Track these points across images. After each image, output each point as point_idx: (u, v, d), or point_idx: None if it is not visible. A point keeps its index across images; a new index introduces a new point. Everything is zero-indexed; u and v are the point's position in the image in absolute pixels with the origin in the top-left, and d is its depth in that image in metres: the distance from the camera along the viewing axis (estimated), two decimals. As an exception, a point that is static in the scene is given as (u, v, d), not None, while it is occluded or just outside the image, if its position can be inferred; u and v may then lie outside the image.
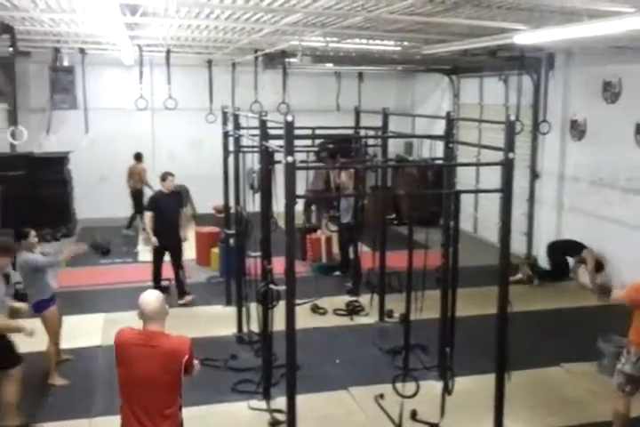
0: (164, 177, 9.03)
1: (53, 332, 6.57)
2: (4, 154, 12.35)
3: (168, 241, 8.97)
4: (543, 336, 7.89)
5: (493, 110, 12.06)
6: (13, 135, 9.27)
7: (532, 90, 11.20)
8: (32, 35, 9.89)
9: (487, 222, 12.33)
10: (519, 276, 9.83)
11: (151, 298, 4.13)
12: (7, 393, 5.46)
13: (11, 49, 8.71)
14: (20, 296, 8.68)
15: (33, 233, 6.58)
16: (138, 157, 13.46)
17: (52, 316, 6.54)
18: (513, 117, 5.33)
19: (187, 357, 3.88)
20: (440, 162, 6.91)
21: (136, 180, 13.26)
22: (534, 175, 11.43)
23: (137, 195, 13.22)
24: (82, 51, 12.02)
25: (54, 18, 8.08)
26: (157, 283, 9.08)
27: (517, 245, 11.27)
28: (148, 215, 9.02)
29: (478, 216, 13.27)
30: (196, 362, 4.00)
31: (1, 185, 12.09)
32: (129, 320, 7.60)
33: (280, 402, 5.56)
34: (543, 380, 6.74)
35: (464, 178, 12.70)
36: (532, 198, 11.50)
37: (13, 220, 9.72)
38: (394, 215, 11.61)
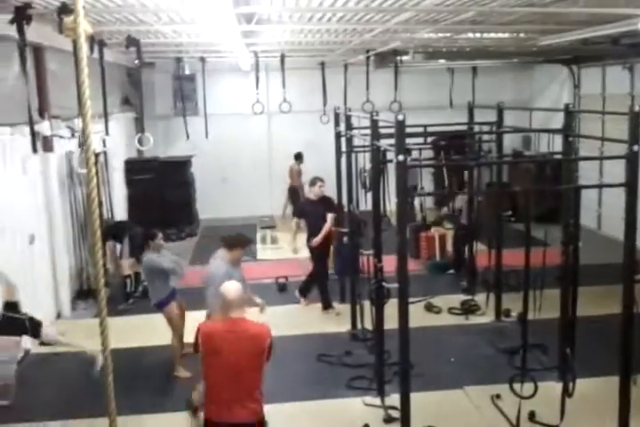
0: (312, 182, 8.86)
1: (176, 326, 6.94)
2: (132, 159, 13.17)
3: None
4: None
5: (617, 100, 11.43)
6: (140, 142, 9.89)
7: (659, 77, 10.54)
8: (156, 46, 10.50)
9: (612, 218, 11.70)
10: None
11: (231, 288, 4.33)
12: None
13: (137, 61, 9.30)
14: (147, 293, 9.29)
15: (160, 235, 7.03)
16: (297, 156, 14.12)
17: (171, 311, 6.93)
18: (638, 108, 5.06)
19: (269, 340, 4.16)
20: (557, 156, 6.66)
21: (294, 178, 14.07)
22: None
23: (292, 192, 14.13)
24: (202, 59, 12.58)
25: (176, 29, 8.55)
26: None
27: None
28: (294, 222, 9.30)
29: (602, 212, 12.63)
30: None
31: (130, 188, 12.94)
32: (250, 315, 7.91)
33: (394, 399, 5.59)
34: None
35: (587, 172, 12.13)
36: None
37: (141, 220, 10.33)
38: (510, 212, 11.26)
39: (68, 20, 4.51)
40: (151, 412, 6.10)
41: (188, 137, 12.23)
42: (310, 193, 8.91)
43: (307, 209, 8.97)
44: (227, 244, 6.45)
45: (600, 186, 11.43)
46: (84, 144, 2.86)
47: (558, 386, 5.67)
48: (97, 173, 9.93)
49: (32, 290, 7.85)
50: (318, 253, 8.82)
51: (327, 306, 8.79)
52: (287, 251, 11.61)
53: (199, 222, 14.34)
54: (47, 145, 8.51)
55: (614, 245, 10.70)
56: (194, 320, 7.44)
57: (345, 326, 8.04)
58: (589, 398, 5.87)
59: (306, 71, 13.93)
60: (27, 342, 7.49)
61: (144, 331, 8.04)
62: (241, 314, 4.29)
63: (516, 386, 5.53)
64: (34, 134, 7.07)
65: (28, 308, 7.60)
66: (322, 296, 8.82)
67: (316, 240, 8.62)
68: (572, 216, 6.14)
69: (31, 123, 6.77)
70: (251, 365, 4.12)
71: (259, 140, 15.07)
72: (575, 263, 5.97)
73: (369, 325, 7.11)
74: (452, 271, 10.25)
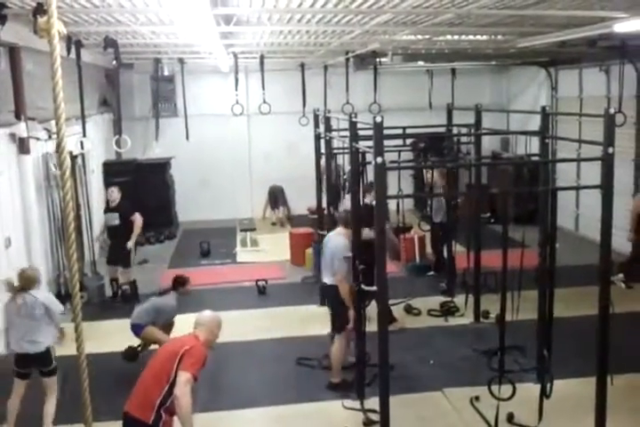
0: (366, 189, 8.71)
1: (160, 340, 6.87)
2: (110, 161, 13.05)
3: None
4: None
5: (594, 103, 11.55)
6: (118, 144, 9.81)
7: (635, 80, 10.66)
8: (134, 47, 10.42)
9: (589, 220, 11.83)
10: (621, 275, 9.36)
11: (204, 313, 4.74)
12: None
13: (115, 61, 9.22)
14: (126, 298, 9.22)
15: (190, 281, 7.31)
16: None
17: (149, 332, 6.93)
18: (614, 110, 5.11)
19: (181, 352, 4.18)
20: (535, 158, 6.71)
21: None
22: (639, 169, 10.87)
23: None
24: (181, 60, 12.52)
25: (154, 30, 8.49)
26: None
27: (624, 243, 10.75)
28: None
29: (580, 213, 12.75)
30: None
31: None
32: (228, 319, 7.85)
33: (374, 402, 5.58)
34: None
35: (564, 174, 12.25)
36: (637, 193, 10.93)
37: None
38: (489, 214, 11.33)
39: (41, 20, 4.45)
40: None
41: (156, 139, 12.15)
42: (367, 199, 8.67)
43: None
44: (344, 222, 6.58)
45: (576, 188, 11.56)
46: (58, 146, 2.81)
47: (536, 387, 5.70)
48: (74, 175, 9.89)
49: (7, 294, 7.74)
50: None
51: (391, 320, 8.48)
52: (267, 254, 11.63)
53: (179, 225, 14.27)
54: (23, 147, 8.39)
55: (591, 246, 10.84)
56: (176, 324, 7.44)
57: (325, 329, 8.01)
58: (567, 398, 5.90)
59: (285, 73, 13.91)
60: (1, 346, 7.41)
61: (125, 335, 7.94)
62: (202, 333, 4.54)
63: (495, 388, 5.56)
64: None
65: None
66: None
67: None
68: (549, 218, 6.19)
69: None
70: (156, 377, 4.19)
71: (238, 141, 15.02)
72: (552, 265, 6.01)
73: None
74: (431, 273, 10.28)
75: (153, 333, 6.88)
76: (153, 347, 6.94)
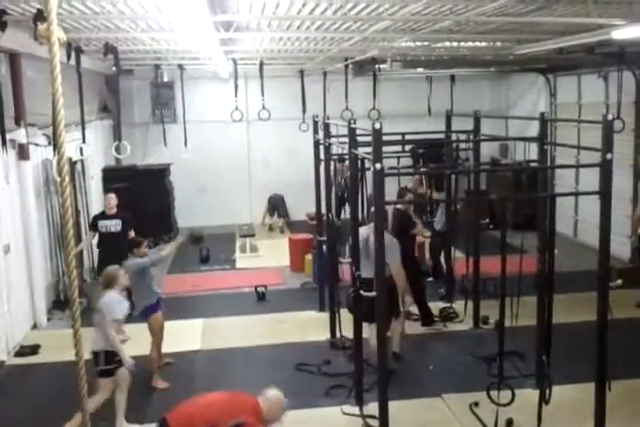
0: (400, 194, 9.00)
1: (157, 336, 6.89)
2: (110, 167, 13.07)
3: None
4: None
5: (593, 109, 11.60)
6: (118, 150, 9.82)
7: (634, 86, 10.69)
8: (134, 53, 10.45)
9: (588, 225, 11.84)
10: (619, 281, 9.28)
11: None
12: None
13: (114, 68, 9.25)
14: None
15: (145, 243, 7.09)
16: None
17: (156, 321, 6.88)
18: (612, 116, 5.12)
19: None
20: (533, 164, 6.73)
21: None
22: (638, 175, 10.89)
23: None
24: (180, 66, 12.54)
25: (154, 37, 8.52)
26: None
27: (622, 249, 10.77)
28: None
29: (579, 219, 12.77)
30: None
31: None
32: (227, 325, 7.94)
33: (373, 408, 5.58)
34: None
35: (563, 179, 12.28)
36: (635, 199, 10.96)
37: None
38: (487, 220, 11.34)
39: (41, 27, 4.47)
40: (129, 422, 6.00)
41: (165, 145, 12.17)
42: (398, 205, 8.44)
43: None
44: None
45: (574, 194, 11.57)
46: (57, 152, 2.82)
47: (535, 393, 5.70)
48: (73, 181, 9.89)
49: (7, 300, 7.75)
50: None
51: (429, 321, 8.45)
52: (267, 259, 11.63)
53: (178, 231, 14.25)
54: (23, 153, 8.41)
55: (590, 252, 10.85)
56: (173, 329, 7.45)
57: (324, 335, 8.02)
58: (566, 404, 5.91)
59: (285, 79, 13.96)
60: (1, 353, 7.42)
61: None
62: None
63: (494, 393, 5.55)
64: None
65: (4, 317, 7.54)
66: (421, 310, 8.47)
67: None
68: (547, 224, 6.20)
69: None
70: None
71: (238, 147, 15.05)
72: (551, 271, 6.02)
73: (348, 333, 7.11)
74: (430, 279, 10.27)
75: (156, 322, 6.87)
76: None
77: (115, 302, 5.87)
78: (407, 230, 8.17)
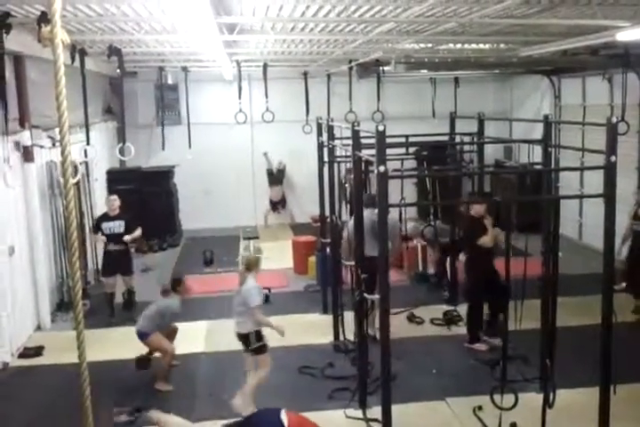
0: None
1: (163, 350, 6.90)
2: (114, 169, 13.09)
3: None
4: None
5: (597, 111, 11.55)
6: (122, 152, 9.83)
7: (638, 88, 10.65)
8: (138, 55, 10.48)
9: (593, 228, 11.79)
10: (624, 284, 9.24)
11: None
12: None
13: (118, 70, 9.26)
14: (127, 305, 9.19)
15: (185, 279, 7.22)
16: None
17: (154, 340, 6.88)
18: (616, 118, 5.11)
19: None
20: (537, 167, 6.70)
21: None
22: (643, 178, 10.85)
23: None
24: (184, 69, 12.57)
25: (158, 39, 8.54)
26: None
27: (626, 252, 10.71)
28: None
29: (583, 222, 12.73)
30: None
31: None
32: (231, 328, 7.88)
33: (376, 411, 5.56)
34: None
35: (568, 182, 12.24)
36: (640, 202, 10.90)
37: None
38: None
39: (45, 29, 4.48)
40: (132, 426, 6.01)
41: (163, 148, 12.13)
42: (472, 210, 7.92)
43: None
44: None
45: (579, 196, 11.53)
46: (62, 154, 2.82)
47: (539, 397, 5.66)
48: (78, 183, 9.90)
49: (12, 302, 7.76)
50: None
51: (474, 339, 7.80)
52: (271, 261, 11.60)
53: (182, 233, 14.27)
54: (28, 155, 8.43)
55: (595, 254, 10.82)
56: (179, 332, 7.44)
57: (328, 338, 8.01)
58: (570, 408, 5.86)
59: (289, 81, 13.96)
60: (5, 354, 7.42)
61: (126, 343, 7.94)
62: None
63: (497, 397, 5.53)
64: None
65: (8, 319, 7.55)
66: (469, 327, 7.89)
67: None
68: (551, 226, 6.18)
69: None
70: None
71: (242, 149, 15.05)
72: (555, 274, 6.00)
73: (351, 336, 7.09)
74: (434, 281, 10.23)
75: (159, 341, 6.86)
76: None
77: (255, 289, 6.26)
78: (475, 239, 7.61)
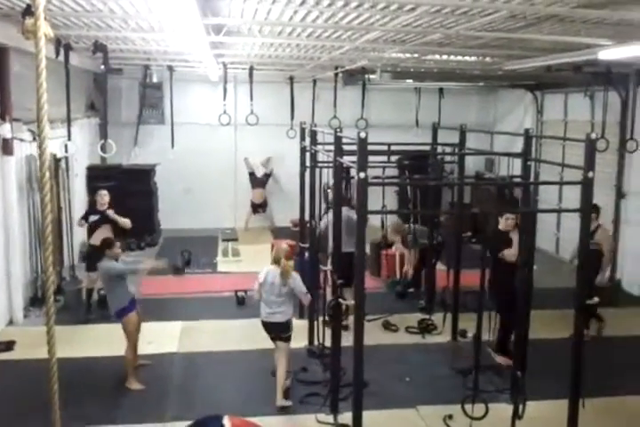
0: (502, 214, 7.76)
1: (132, 337, 6.83)
2: (95, 165, 12.99)
3: None
4: (623, 363, 7.54)
5: (578, 127, 11.70)
6: (103, 148, 9.77)
7: (619, 106, 10.83)
8: (124, 53, 10.41)
9: (569, 243, 11.93)
10: (596, 299, 9.36)
11: None
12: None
13: (103, 66, 9.22)
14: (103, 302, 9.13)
15: (118, 244, 7.02)
16: None
17: (131, 321, 6.82)
18: (596, 135, 5.19)
19: None
20: (516, 180, 6.78)
21: None
22: (620, 195, 11.01)
23: None
24: (170, 68, 12.52)
25: (144, 37, 8.50)
26: None
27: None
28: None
29: (560, 236, 12.87)
30: None
31: (92, 195, 12.71)
32: (205, 329, 7.90)
33: (348, 417, 5.56)
34: (619, 409, 6.44)
35: (546, 196, 12.38)
36: (617, 219, 11.08)
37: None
38: (470, 233, 11.40)
39: (29, 22, 4.45)
40: (100, 423, 5.95)
41: (135, 144, 12.06)
42: (500, 225, 7.61)
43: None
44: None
45: (555, 211, 11.67)
46: (40, 147, 2.82)
47: (509, 408, 5.72)
48: (57, 178, 9.82)
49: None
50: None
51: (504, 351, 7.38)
52: (248, 264, 11.58)
53: (160, 232, 14.18)
54: (7, 148, 8.34)
55: (570, 269, 10.93)
56: (151, 331, 7.40)
57: (302, 342, 8.00)
58: (539, 420, 5.91)
59: (274, 85, 13.98)
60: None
61: (100, 341, 7.91)
62: None
63: (468, 407, 5.56)
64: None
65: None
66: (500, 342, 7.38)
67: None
68: (527, 239, 6.25)
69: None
70: None
71: (225, 151, 15.01)
72: (529, 286, 6.06)
73: (326, 341, 7.09)
74: (411, 290, 10.28)
75: (133, 325, 6.84)
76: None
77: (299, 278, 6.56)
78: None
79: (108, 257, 6.88)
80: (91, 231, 9.14)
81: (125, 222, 9.07)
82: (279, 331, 6.51)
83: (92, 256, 9.16)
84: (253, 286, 6.73)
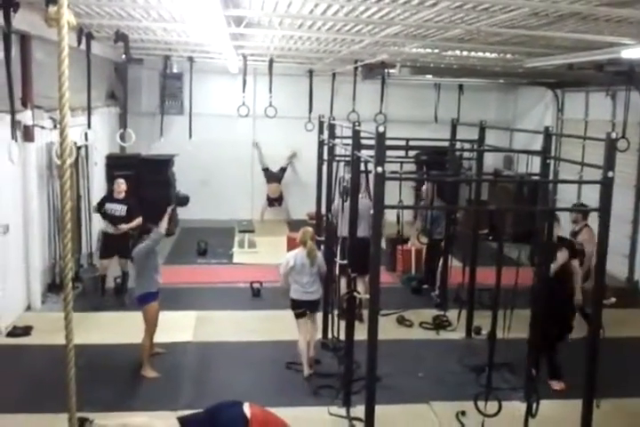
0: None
1: (151, 325, 6.89)
2: (114, 154, 13.06)
3: None
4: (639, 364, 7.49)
5: (599, 126, 11.58)
6: (122, 137, 9.82)
7: (641, 106, 10.70)
8: (145, 43, 10.46)
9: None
10: (613, 299, 9.27)
11: None
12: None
13: (124, 56, 9.26)
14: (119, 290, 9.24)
15: (155, 229, 7.22)
16: None
17: (152, 310, 6.89)
18: (616, 135, 5.13)
19: None
20: (534, 178, 6.73)
21: None
22: (639, 195, 10.90)
23: None
24: (190, 59, 12.55)
25: (165, 27, 8.53)
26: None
27: (620, 268, 10.78)
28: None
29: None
30: None
31: (110, 183, 12.79)
32: (220, 318, 7.94)
33: (360, 410, 5.56)
34: (634, 410, 6.40)
35: (565, 195, 12.28)
36: (636, 220, 10.97)
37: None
38: (487, 231, 11.34)
39: (52, 9, 4.46)
40: (115, 410, 6.00)
41: (161, 135, 12.13)
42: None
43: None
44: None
45: (572, 210, 11.52)
46: (61, 134, 2.83)
47: (523, 406, 5.70)
48: (77, 166, 9.89)
49: (3, 280, 7.76)
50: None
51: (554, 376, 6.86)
52: (264, 256, 11.61)
53: (177, 222, 14.25)
54: (28, 135, 8.42)
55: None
56: (166, 320, 7.45)
57: (316, 335, 8.01)
58: (552, 419, 5.89)
59: (294, 78, 13.96)
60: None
61: (116, 328, 7.99)
62: None
63: (481, 404, 5.55)
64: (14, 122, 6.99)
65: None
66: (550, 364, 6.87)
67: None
68: (545, 238, 6.21)
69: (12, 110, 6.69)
70: None
71: (242, 143, 15.04)
72: (545, 284, 6.02)
73: (341, 334, 7.11)
74: (425, 286, 10.25)
75: (153, 313, 6.88)
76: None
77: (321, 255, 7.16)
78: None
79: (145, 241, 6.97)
80: (106, 218, 9.23)
81: (134, 224, 9.15)
82: (314, 307, 7.11)
83: (106, 244, 9.32)
84: (280, 271, 7.09)
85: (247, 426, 4.49)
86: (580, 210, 8.53)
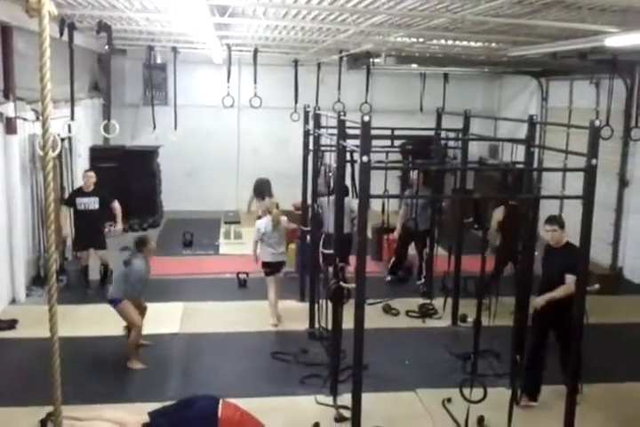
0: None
1: (131, 321, 6.87)
2: (98, 146, 12.98)
3: None
4: (622, 350, 7.59)
5: (583, 114, 11.64)
6: (106, 129, 9.75)
7: (624, 94, 10.77)
8: (128, 33, 10.37)
9: (571, 230, 11.92)
10: (597, 286, 9.34)
11: None
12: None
13: (107, 47, 9.17)
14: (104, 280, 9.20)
15: (153, 243, 7.19)
16: None
17: (124, 307, 6.81)
18: (600, 122, 5.16)
19: None
20: (519, 166, 6.76)
21: None
22: (623, 183, 10.98)
23: None
24: (174, 49, 12.42)
25: (148, 17, 8.45)
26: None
27: (604, 255, 10.89)
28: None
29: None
30: None
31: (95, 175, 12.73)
32: (206, 310, 7.94)
33: (347, 398, 5.61)
34: (618, 395, 6.48)
35: (550, 184, 12.36)
36: (619, 207, 11.07)
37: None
38: (472, 219, 11.39)
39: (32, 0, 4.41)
40: (101, 402, 5.99)
41: (154, 128, 12.04)
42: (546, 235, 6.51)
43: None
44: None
45: (556, 197, 11.64)
46: (43, 126, 2.81)
47: (508, 392, 5.76)
48: (60, 158, 9.82)
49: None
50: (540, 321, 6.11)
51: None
52: (250, 247, 11.58)
53: (163, 213, 14.21)
54: (10, 127, 8.34)
55: (571, 255, 10.89)
56: (152, 311, 7.44)
57: (303, 325, 8.05)
58: (538, 404, 5.97)
59: (279, 68, 13.90)
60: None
61: (101, 320, 7.94)
62: None
63: (467, 390, 5.61)
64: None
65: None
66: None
67: (538, 301, 5.99)
68: (529, 226, 6.26)
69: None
70: None
71: (228, 133, 14.99)
72: (529, 272, 6.07)
73: (327, 324, 7.13)
74: (400, 273, 10.24)
75: (127, 310, 6.81)
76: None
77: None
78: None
79: (142, 256, 6.91)
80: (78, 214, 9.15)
81: (120, 212, 9.25)
82: (280, 267, 8.34)
83: (77, 237, 9.39)
84: (253, 238, 8.43)
85: (216, 425, 4.42)
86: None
